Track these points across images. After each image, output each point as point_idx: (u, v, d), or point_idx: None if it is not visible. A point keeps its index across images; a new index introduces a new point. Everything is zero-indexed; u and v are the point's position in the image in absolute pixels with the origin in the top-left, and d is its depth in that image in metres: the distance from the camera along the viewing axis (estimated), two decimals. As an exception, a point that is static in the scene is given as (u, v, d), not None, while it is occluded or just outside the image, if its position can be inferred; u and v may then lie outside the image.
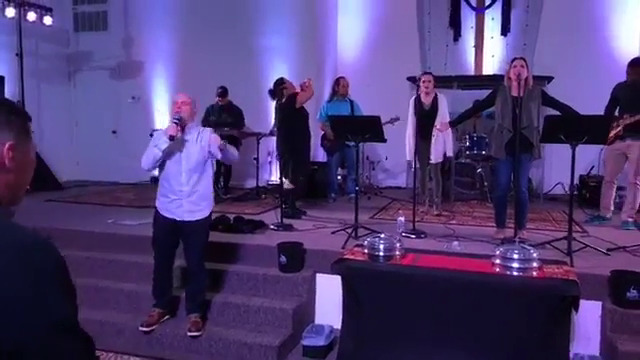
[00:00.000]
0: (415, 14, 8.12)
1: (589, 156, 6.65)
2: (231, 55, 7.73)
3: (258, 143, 7.00)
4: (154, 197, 3.71)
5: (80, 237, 4.65)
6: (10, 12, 7.13)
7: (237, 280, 4.05)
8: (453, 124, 5.25)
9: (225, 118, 6.98)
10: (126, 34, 8.60)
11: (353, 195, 5.21)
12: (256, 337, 3.57)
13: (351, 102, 6.75)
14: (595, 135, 3.90)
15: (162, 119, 7.78)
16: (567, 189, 5.60)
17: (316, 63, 7.68)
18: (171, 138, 3.40)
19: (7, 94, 7.12)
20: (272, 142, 7.33)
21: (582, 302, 3.10)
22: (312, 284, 4.01)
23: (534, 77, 4.57)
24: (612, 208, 5.36)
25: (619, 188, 5.47)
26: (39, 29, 7.81)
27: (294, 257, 4.04)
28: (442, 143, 5.67)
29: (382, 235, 3.48)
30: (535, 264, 3.05)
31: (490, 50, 7.96)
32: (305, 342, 3.59)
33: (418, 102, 5.60)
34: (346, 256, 3.49)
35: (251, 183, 7.41)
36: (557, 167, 6.69)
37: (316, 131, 6.36)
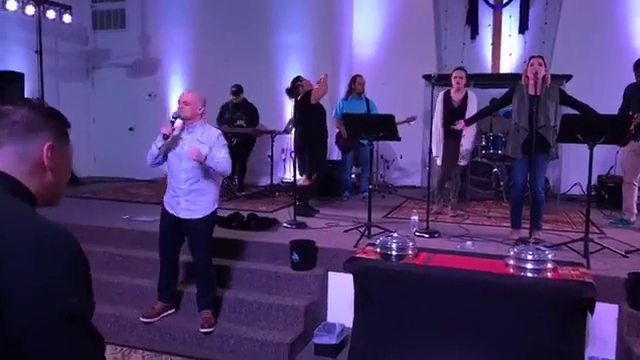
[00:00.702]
0: (432, 11, 8.05)
1: (607, 156, 6.54)
2: (246, 52, 7.75)
3: (272, 141, 7.01)
4: (169, 194, 3.73)
5: (96, 233, 4.71)
6: (30, 10, 7.25)
7: (249, 277, 4.06)
8: (469, 123, 5.15)
9: (239, 116, 7.01)
10: (143, 32, 8.68)
11: (367, 194, 5.18)
12: (268, 334, 3.59)
13: (367, 100, 6.72)
14: (613, 135, 3.83)
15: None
16: (585, 190, 5.51)
17: (331, 61, 7.66)
18: (165, 137, 3.42)
19: (27, 91, 7.24)
20: (286, 140, 7.35)
21: (598, 305, 3.05)
22: (324, 282, 4.02)
23: (552, 75, 4.50)
24: (635, 211, 5.25)
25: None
26: (58, 27, 7.92)
27: (307, 255, 4.04)
28: (471, 144, 5.58)
29: (395, 234, 3.46)
30: (550, 265, 3.00)
31: (508, 48, 7.87)
32: (316, 340, 3.59)
33: (447, 98, 5.48)
34: (358, 255, 3.48)
35: (265, 181, 7.42)
36: (575, 167, 6.59)
37: (332, 129, 6.35)
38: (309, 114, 5.39)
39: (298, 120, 5.37)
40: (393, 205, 6.22)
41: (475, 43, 8.03)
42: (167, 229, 3.66)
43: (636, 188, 5.24)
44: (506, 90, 4.62)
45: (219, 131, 3.67)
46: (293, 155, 5.79)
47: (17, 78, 7.01)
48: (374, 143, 5.12)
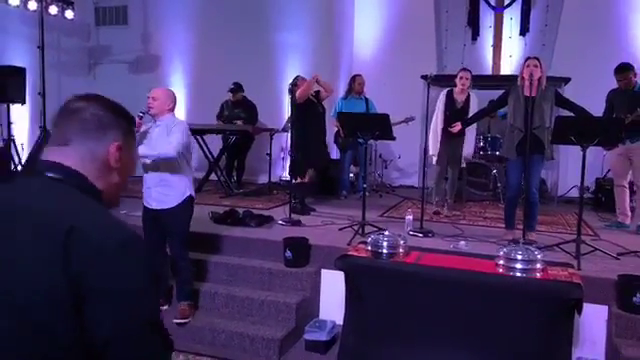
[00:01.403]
0: (433, 12, 8.07)
1: (605, 159, 6.53)
2: (247, 51, 7.78)
3: (271, 139, 7.02)
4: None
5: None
6: (32, 5, 7.28)
7: (243, 273, 4.09)
8: (466, 124, 5.15)
9: (238, 113, 7.03)
10: (145, 29, 8.72)
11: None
12: (259, 330, 3.60)
13: (366, 100, 6.74)
14: (606, 137, 3.84)
15: (178, 113, 7.84)
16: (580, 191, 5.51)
17: (332, 60, 7.68)
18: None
19: (28, 86, 7.26)
20: (285, 138, 7.37)
21: (588, 306, 3.06)
22: (317, 279, 4.03)
23: (551, 78, 4.51)
24: (629, 213, 5.25)
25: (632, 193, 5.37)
26: (61, 22, 7.95)
27: (300, 252, 4.06)
28: (471, 144, 5.57)
29: (386, 232, 3.47)
30: (539, 265, 3.01)
31: (508, 50, 7.88)
32: (307, 336, 3.61)
33: (450, 98, 5.46)
34: (350, 252, 3.50)
35: (264, 178, 7.44)
36: (573, 170, 6.56)
37: (330, 128, 6.37)
38: (304, 113, 5.40)
39: (293, 119, 5.40)
40: (390, 204, 6.24)
41: (476, 44, 8.05)
42: (147, 223, 3.70)
43: (627, 190, 5.24)
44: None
45: (184, 123, 3.72)
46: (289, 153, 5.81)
47: (19, 73, 7.04)
48: (371, 142, 5.14)
